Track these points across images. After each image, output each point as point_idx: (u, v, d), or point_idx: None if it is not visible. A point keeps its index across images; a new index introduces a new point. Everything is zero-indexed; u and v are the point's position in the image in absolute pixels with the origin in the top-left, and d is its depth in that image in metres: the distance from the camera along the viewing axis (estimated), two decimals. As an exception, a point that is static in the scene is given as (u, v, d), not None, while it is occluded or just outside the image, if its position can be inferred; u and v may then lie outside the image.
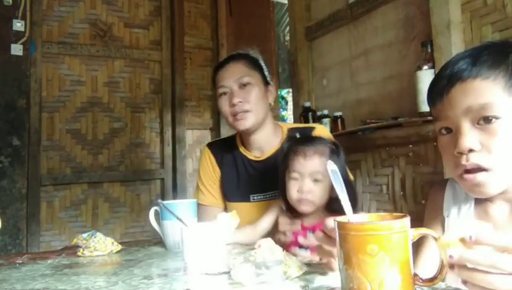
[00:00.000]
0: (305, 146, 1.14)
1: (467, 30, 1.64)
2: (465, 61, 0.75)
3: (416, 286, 0.56)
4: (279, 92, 4.29)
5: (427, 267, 0.82)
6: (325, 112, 2.37)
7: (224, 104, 1.38)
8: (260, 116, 1.37)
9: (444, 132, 0.79)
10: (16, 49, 2.69)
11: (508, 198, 0.79)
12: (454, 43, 1.63)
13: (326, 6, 2.47)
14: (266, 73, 1.47)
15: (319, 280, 0.71)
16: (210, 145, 1.54)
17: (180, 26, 3.32)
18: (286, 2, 3.46)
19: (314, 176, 1.12)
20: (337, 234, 0.57)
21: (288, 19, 3.50)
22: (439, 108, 0.79)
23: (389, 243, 0.53)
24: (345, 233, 0.55)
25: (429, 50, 1.73)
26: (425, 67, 1.72)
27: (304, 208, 1.13)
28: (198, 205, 1.42)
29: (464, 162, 0.74)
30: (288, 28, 3.97)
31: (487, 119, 0.72)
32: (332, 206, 1.15)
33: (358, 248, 0.54)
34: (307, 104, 2.51)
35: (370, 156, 2.08)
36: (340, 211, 1.16)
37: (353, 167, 2.18)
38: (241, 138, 1.48)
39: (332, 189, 1.12)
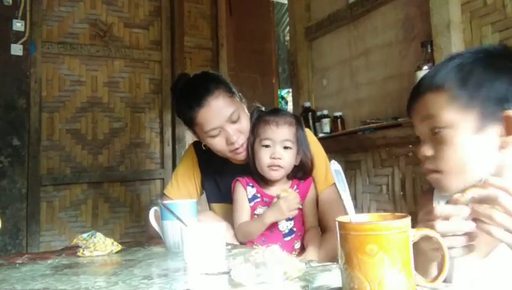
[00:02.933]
0: (276, 116, 1.24)
1: (467, 30, 1.64)
2: (431, 73, 0.83)
3: (417, 286, 0.56)
4: (279, 92, 4.29)
5: None
6: (325, 112, 2.37)
7: (219, 144, 1.30)
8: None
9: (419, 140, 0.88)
10: (16, 49, 2.69)
11: None
12: (454, 43, 1.63)
13: (326, 6, 2.47)
14: (231, 86, 1.36)
15: (319, 280, 0.71)
16: (195, 145, 1.49)
17: (180, 26, 3.32)
18: (286, 2, 3.46)
19: (284, 143, 1.22)
20: (338, 234, 0.57)
21: (288, 19, 3.50)
22: (412, 118, 0.87)
23: (388, 243, 0.53)
24: (346, 233, 0.56)
25: (429, 50, 1.73)
26: (425, 67, 1.72)
27: (274, 173, 1.22)
28: (163, 194, 1.48)
29: (424, 166, 0.83)
30: (288, 28, 3.97)
31: (438, 130, 0.78)
32: (295, 174, 1.28)
33: (357, 248, 0.54)
34: (307, 104, 2.51)
35: (370, 156, 2.08)
36: (300, 177, 1.29)
37: (353, 167, 2.18)
38: None
39: (297, 157, 1.25)
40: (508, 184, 0.61)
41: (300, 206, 1.22)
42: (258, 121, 1.27)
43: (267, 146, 1.22)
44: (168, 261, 0.98)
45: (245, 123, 1.31)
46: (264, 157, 1.22)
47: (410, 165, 1.87)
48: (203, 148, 1.40)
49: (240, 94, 1.39)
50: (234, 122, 1.28)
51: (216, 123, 1.26)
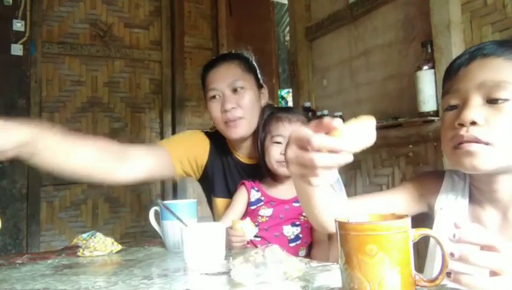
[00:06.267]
0: (288, 113, 1.24)
1: (467, 30, 1.63)
2: (492, 43, 0.75)
3: (417, 286, 0.56)
4: (279, 92, 4.29)
5: None
6: (325, 112, 2.37)
7: (215, 109, 1.30)
8: (254, 123, 1.30)
9: (449, 108, 0.78)
10: (16, 49, 2.69)
11: (499, 199, 0.77)
12: (454, 43, 1.63)
13: (326, 6, 2.47)
14: (259, 75, 1.38)
15: (319, 280, 0.71)
16: (207, 134, 1.44)
17: (180, 26, 3.33)
18: (286, 2, 3.46)
19: None
20: (338, 234, 0.57)
21: (288, 19, 3.50)
22: (452, 81, 0.78)
23: (388, 243, 0.53)
24: (345, 233, 0.56)
25: (429, 50, 1.73)
26: (425, 67, 1.71)
27: (283, 169, 1.18)
28: (155, 143, 1.37)
29: (462, 132, 0.72)
30: (288, 28, 3.97)
31: (497, 100, 0.71)
32: None
33: (357, 248, 0.54)
34: (307, 104, 2.51)
35: (370, 156, 2.08)
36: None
37: (353, 167, 2.18)
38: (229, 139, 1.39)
39: None
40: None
41: (248, 239, 1.13)
42: (270, 118, 1.25)
43: (278, 143, 1.20)
44: (168, 261, 0.98)
45: (247, 100, 1.28)
46: (275, 153, 1.20)
47: (411, 165, 1.87)
48: (212, 129, 1.38)
49: (262, 79, 1.39)
50: (235, 91, 1.28)
51: (217, 84, 1.28)
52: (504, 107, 0.70)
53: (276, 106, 1.35)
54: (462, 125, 0.72)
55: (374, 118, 0.62)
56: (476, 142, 0.71)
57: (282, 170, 1.20)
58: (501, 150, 0.71)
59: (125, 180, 1.13)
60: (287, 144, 0.62)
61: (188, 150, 1.36)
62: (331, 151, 0.57)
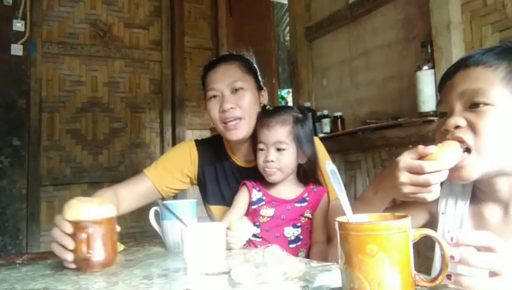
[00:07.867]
0: (269, 117, 1.21)
1: (467, 30, 1.63)
2: (477, 52, 0.80)
3: (417, 286, 0.56)
4: (279, 92, 4.29)
5: None
6: (325, 112, 2.37)
7: (213, 109, 1.29)
8: (252, 124, 1.29)
9: (441, 116, 0.84)
10: (16, 49, 2.69)
11: (500, 198, 0.79)
12: (454, 43, 1.63)
13: (326, 6, 2.47)
14: (259, 77, 1.38)
15: (319, 280, 0.71)
16: (197, 143, 1.44)
17: (180, 27, 3.33)
18: (286, 2, 3.46)
19: (277, 145, 1.18)
20: (338, 234, 0.57)
21: (288, 19, 3.50)
22: (442, 92, 0.84)
23: (388, 243, 0.53)
24: (346, 233, 0.56)
25: (429, 50, 1.73)
26: (425, 67, 1.72)
27: (271, 177, 1.20)
28: (140, 173, 1.43)
29: (448, 136, 0.78)
30: (288, 28, 3.97)
31: (477, 105, 0.76)
32: (303, 174, 1.24)
33: (357, 248, 0.54)
34: (307, 104, 2.51)
35: (370, 156, 2.08)
36: (310, 178, 1.24)
37: (353, 167, 2.18)
38: (227, 141, 1.39)
39: (299, 155, 1.21)
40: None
41: (246, 240, 1.13)
42: (257, 124, 1.26)
43: (262, 149, 1.21)
44: (168, 261, 0.98)
45: (247, 101, 1.27)
46: (259, 161, 1.20)
47: (410, 165, 1.87)
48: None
49: (263, 82, 1.39)
50: (235, 92, 1.28)
51: (216, 84, 1.28)
52: (484, 111, 0.75)
53: (267, 107, 1.33)
54: (448, 130, 0.79)
55: (457, 143, 0.76)
56: (461, 141, 0.76)
57: (270, 178, 1.20)
58: (485, 156, 0.75)
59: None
60: (397, 171, 0.75)
61: (175, 170, 1.40)
62: (438, 171, 0.72)
